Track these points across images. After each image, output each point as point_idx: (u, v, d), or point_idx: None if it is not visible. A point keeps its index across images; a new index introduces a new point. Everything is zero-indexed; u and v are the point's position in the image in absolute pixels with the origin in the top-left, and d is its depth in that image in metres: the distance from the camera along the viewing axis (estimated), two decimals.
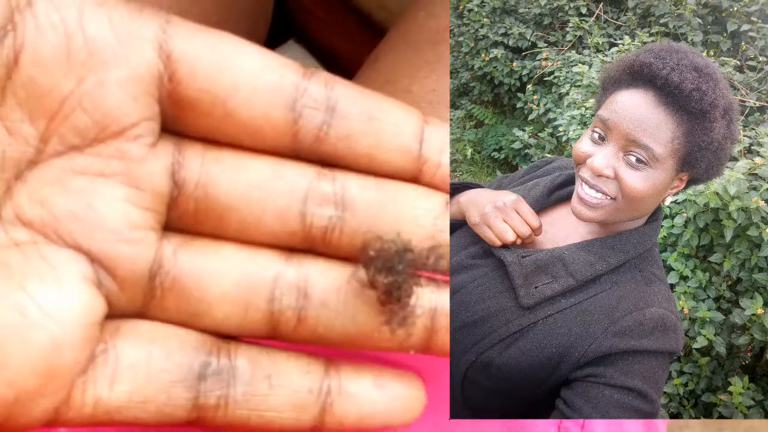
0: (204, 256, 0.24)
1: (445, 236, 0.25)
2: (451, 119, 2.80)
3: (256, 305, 0.24)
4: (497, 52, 2.52)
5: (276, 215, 0.24)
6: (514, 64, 2.50)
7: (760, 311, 1.11)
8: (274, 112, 0.23)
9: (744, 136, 1.42)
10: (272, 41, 0.79)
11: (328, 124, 0.24)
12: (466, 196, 0.61)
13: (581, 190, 0.52)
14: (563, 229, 0.59)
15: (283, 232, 0.24)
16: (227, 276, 0.24)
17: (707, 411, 1.23)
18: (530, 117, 2.32)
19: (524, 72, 2.46)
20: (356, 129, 0.24)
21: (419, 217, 0.24)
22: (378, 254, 0.23)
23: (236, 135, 0.24)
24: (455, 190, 0.64)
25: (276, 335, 0.25)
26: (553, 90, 2.23)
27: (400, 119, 0.24)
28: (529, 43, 2.49)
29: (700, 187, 1.21)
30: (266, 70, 0.23)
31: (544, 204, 0.60)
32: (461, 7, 2.69)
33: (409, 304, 0.24)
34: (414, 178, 0.25)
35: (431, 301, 0.25)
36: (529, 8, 2.55)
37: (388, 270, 0.23)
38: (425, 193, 0.25)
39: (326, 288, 0.24)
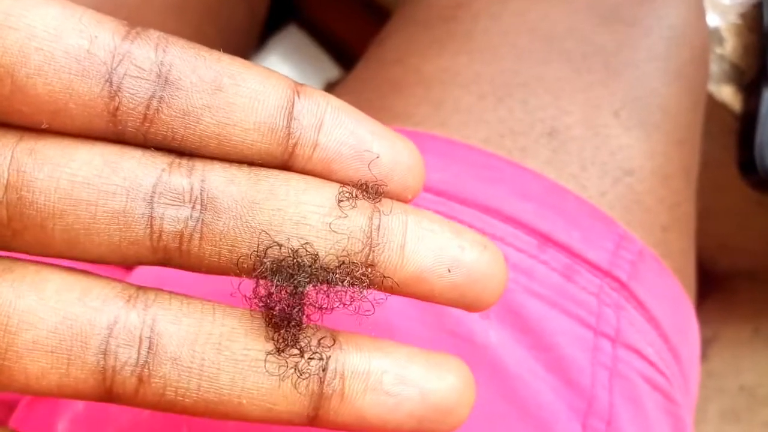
0: (18, 292, 0.19)
1: (342, 243, 0.19)
2: None
3: (82, 360, 0.19)
4: None
5: (111, 220, 0.19)
6: None
7: None
8: (81, 85, 0.18)
9: None
10: (272, 25, 0.77)
11: (159, 98, 0.19)
12: None
13: None
14: None
15: (126, 243, 0.19)
16: (43, 320, 0.19)
17: None
18: None
19: None
20: (197, 103, 0.19)
21: (306, 216, 0.19)
22: (277, 265, 0.19)
23: (33, 116, 0.19)
24: None
25: (111, 399, 0.20)
26: None
27: (258, 89, 0.19)
28: None
29: None
30: (68, 31, 0.18)
31: None
32: None
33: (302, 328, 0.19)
34: (284, 164, 0.20)
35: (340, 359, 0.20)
36: None
37: (287, 284, 0.19)
38: (314, 185, 0.20)
39: (178, 339, 0.20)
